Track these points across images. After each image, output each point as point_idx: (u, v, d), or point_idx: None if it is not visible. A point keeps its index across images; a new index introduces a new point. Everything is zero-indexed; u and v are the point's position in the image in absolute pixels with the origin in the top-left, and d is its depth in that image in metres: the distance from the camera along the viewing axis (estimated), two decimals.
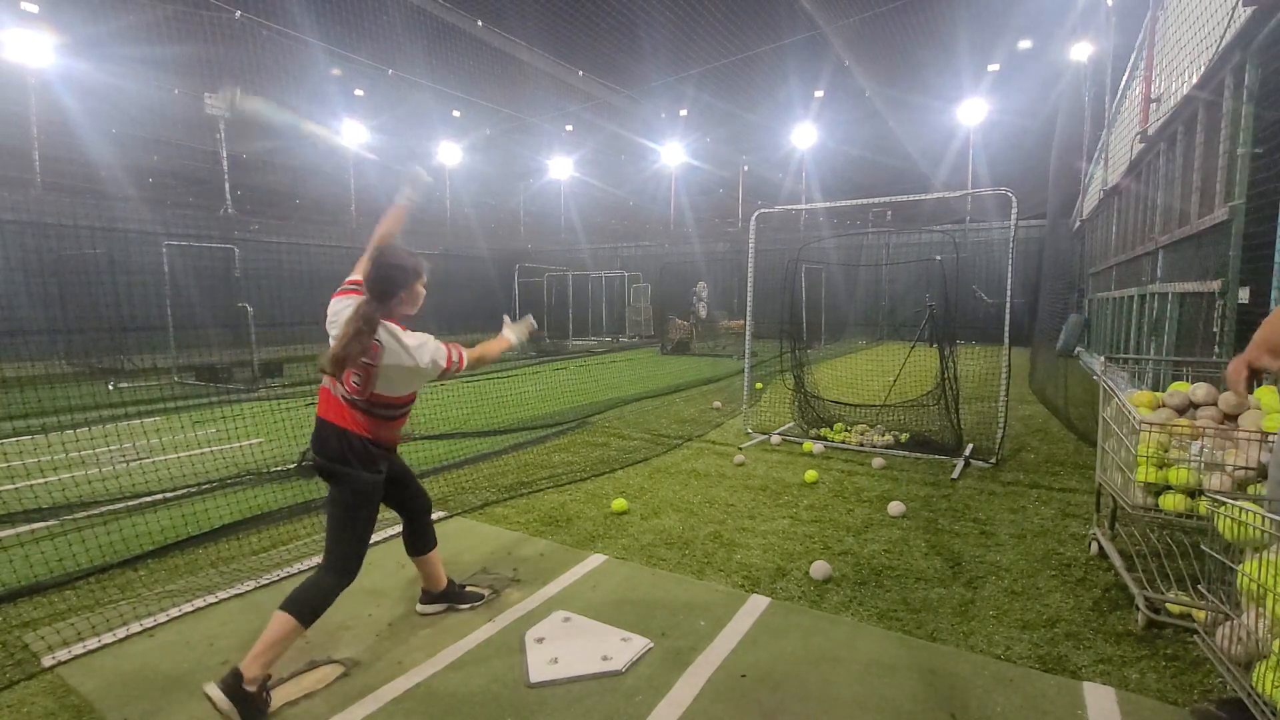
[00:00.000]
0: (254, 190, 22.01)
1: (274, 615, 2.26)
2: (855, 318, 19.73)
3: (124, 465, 5.46)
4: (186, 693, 2.37)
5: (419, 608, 2.95)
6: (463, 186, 29.61)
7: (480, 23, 17.73)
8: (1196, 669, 2.45)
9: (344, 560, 2.42)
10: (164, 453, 5.88)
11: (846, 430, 6.27)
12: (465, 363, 2.53)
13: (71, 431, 6.36)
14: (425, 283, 2.54)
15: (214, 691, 2.09)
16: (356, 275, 2.53)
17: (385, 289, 2.40)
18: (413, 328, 2.58)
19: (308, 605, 2.31)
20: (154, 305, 11.14)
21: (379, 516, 4.12)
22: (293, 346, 12.57)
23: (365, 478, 2.43)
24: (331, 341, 2.35)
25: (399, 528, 3.87)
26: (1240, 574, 2.05)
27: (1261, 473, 2.54)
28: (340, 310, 2.39)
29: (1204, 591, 2.38)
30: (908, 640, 2.70)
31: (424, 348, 2.42)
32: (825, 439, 6.12)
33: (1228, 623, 2.11)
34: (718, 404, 8.36)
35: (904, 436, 5.93)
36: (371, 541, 3.73)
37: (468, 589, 3.05)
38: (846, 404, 6.79)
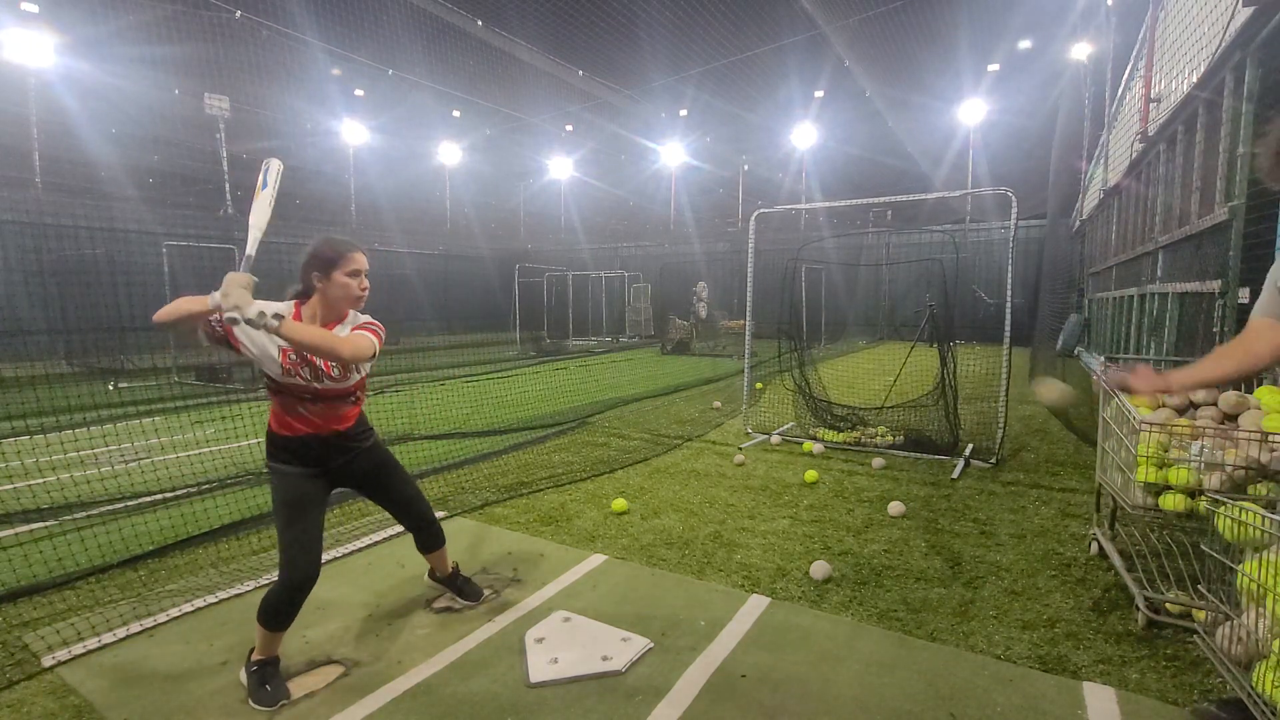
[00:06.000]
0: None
1: None
2: (855, 318, 19.74)
3: (124, 465, 5.46)
4: (186, 693, 2.38)
5: (426, 579, 3.11)
6: (463, 186, 29.63)
7: (480, 23, 17.74)
8: (1196, 669, 2.45)
9: (282, 564, 2.33)
10: (164, 453, 5.87)
11: (849, 430, 6.26)
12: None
13: (71, 431, 6.37)
14: (352, 271, 2.32)
15: (240, 672, 2.38)
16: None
17: (302, 277, 2.36)
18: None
19: (269, 610, 2.32)
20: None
21: (378, 516, 4.14)
22: None
23: (271, 469, 2.42)
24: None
25: (398, 528, 3.90)
26: (1240, 574, 2.05)
27: (1262, 472, 2.54)
28: None
29: (1204, 591, 2.38)
30: (908, 640, 2.70)
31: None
32: (823, 440, 6.12)
33: (1228, 623, 2.11)
34: (718, 404, 8.36)
35: (898, 436, 5.93)
36: (371, 541, 3.76)
37: (471, 583, 3.08)
38: (846, 405, 6.79)
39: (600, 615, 2.91)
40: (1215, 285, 4.76)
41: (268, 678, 2.33)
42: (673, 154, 28.29)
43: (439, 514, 4.21)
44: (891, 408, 6.37)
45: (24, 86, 15.69)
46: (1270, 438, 2.53)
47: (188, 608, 2.98)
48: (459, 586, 3.03)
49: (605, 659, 2.54)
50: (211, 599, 3.07)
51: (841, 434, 6.21)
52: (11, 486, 4.86)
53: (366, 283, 2.40)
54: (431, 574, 3.05)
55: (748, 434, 6.55)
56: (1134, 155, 8.26)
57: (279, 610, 2.32)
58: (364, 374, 2.48)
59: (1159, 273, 6.92)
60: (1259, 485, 2.55)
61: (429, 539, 2.88)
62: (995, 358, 5.95)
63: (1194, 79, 5.60)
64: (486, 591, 3.10)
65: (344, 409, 2.45)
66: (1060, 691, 2.35)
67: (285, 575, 2.30)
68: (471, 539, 3.85)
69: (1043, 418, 7.29)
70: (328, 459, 2.44)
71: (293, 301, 2.39)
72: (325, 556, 3.54)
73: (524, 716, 2.24)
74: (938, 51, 19.17)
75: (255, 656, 2.38)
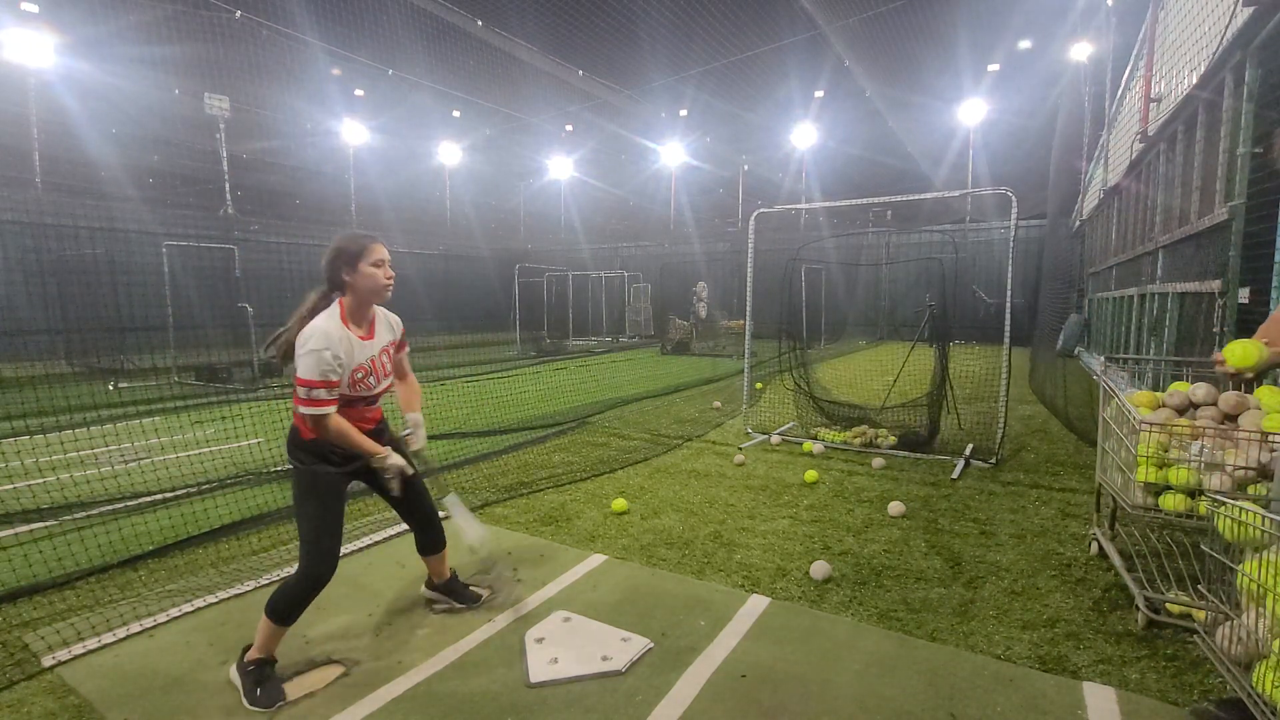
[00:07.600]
0: (254, 190, 22.00)
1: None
2: (855, 318, 19.75)
3: (124, 465, 5.46)
4: (186, 693, 2.37)
5: (423, 590, 3.06)
6: (463, 186, 29.66)
7: (480, 23, 17.74)
8: (1196, 669, 2.45)
9: (305, 555, 2.38)
10: (164, 453, 5.87)
11: (845, 431, 6.26)
12: (309, 410, 2.30)
13: (71, 431, 6.36)
14: (376, 261, 2.38)
15: (231, 670, 2.36)
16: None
17: (329, 275, 2.42)
18: (405, 325, 2.72)
19: (281, 604, 2.36)
20: (154, 305, 11.14)
21: (377, 516, 4.14)
22: None
23: (303, 470, 2.44)
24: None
25: (398, 527, 3.89)
26: (1240, 574, 2.05)
27: (1262, 472, 2.54)
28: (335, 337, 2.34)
29: (1204, 591, 2.38)
30: (908, 640, 2.70)
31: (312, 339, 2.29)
32: (823, 440, 6.12)
33: (1228, 623, 2.11)
34: (718, 404, 8.35)
35: (893, 438, 5.93)
36: (371, 541, 3.76)
37: (469, 588, 3.06)
38: (844, 404, 6.79)
39: (600, 615, 2.91)
40: (1215, 285, 4.76)
41: (264, 679, 2.33)
42: (673, 154, 28.30)
43: (439, 514, 4.21)
44: (890, 408, 6.37)
45: (24, 86, 15.70)
46: (1270, 438, 2.53)
47: (188, 608, 2.98)
48: (457, 592, 3.02)
49: (605, 659, 2.54)
50: (211, 599, 3.06)
51: (842, 434, 6.21)
52: (11, 486, 4.86)
53: (391, 271, 2.48)
54: (429, 582, 3.02)
55: (748, 434, 6.55)
56: (1134, 155, 8.26)
57: (296, 604, 2.37)
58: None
59: (1159, 273, 6.92)
60: (1259, 485, 2.55)
61: (431, 540, 2.88)
62: (995, 358, 5.95)
63: (1194, 79, 5.60)
64: (486, 592, 3.10)
65: (379, 404, 2.65)
66: (1060, 691, 2.35)
67: (308, 567, 2.36)
68: None
69: (1043, 418, 7.29)
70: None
71: (337, 300, 2.43)
72: None
73: (524, 716, 2.24)
74: (938, 51, 19.18)
75: (252, 655, 2.35)
